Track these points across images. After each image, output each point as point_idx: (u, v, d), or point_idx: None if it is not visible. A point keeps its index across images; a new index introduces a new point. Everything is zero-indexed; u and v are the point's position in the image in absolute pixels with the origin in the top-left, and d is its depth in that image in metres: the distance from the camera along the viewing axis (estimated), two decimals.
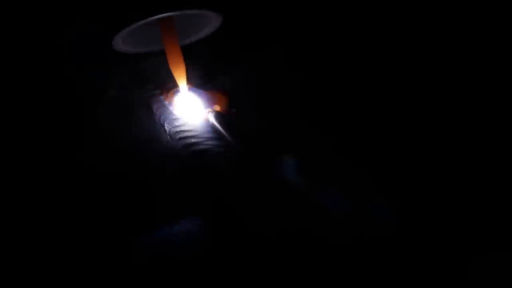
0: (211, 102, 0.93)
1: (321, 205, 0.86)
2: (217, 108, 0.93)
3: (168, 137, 0.93)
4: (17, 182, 0.91)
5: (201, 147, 0.90)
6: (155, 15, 0.88)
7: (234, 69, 0.99)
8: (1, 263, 0.86)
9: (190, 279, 0.85)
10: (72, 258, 0.86)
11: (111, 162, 0.93)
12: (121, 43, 0.94)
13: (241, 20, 0.99)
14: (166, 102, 0.95)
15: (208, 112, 0.92)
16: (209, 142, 0.90)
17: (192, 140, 0.91)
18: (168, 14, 0.88)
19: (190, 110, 0.93)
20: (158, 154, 0.95)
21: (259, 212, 0.86)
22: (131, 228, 0.89)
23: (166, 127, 0.93)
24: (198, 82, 0.96)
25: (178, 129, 0.92)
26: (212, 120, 0.92)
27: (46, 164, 0.93)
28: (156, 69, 0.98)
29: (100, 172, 0.92)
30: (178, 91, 0.94)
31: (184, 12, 0.89)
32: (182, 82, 0.93)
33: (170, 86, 0.95)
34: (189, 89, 0.94)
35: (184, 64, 0.93)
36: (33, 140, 0.94)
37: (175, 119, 0.93)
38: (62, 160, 0.93)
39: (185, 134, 0.91)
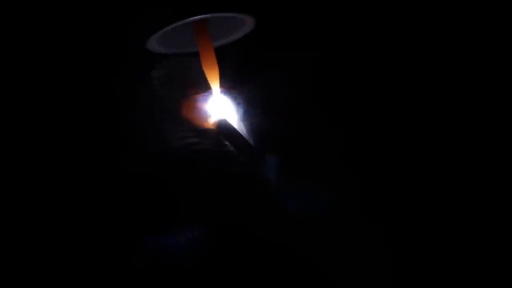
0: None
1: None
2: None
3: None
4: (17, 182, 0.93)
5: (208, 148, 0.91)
6: (190, 17, 0.89)
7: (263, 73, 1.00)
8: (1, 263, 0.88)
9: (190, 284, 0.85)
10: (74, 259, 0.88)
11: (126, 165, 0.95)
12: (156, 44, 0.95)
13: (274, 24, 1.00)
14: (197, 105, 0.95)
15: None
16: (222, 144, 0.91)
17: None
18: (203, 16, 0.89)
19: (221, 112, 0.94)
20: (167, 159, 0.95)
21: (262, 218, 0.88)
22: (133, 233, 0.89)
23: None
24: (229, 84, 0.96)
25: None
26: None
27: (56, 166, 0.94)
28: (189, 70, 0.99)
29: (113, 176, 0.94)
30: (210, 93, 0.94)
31: (219, 15, 0.90)
32: (215, 84, 0.94)
33: (201, 89, 0.96)
34: (222, 91, 0.94)
35: (217, 66, 0.93)
36: (46, 139, 0.96)
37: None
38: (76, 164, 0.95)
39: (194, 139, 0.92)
